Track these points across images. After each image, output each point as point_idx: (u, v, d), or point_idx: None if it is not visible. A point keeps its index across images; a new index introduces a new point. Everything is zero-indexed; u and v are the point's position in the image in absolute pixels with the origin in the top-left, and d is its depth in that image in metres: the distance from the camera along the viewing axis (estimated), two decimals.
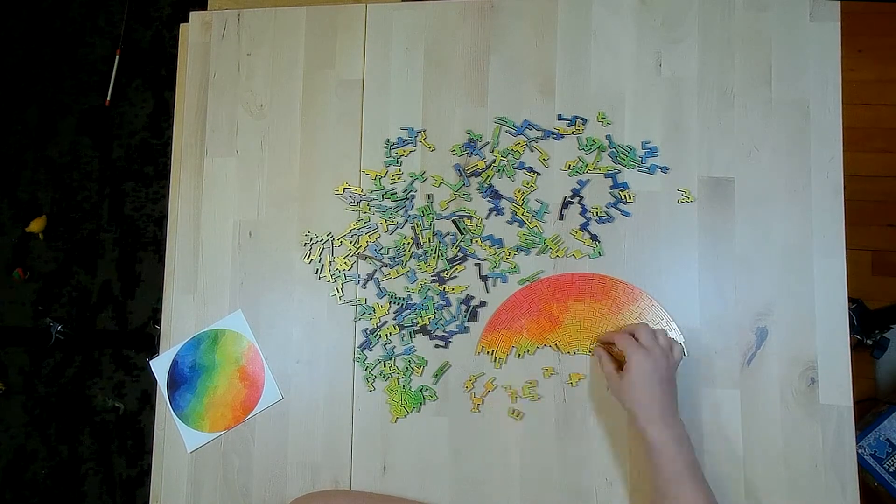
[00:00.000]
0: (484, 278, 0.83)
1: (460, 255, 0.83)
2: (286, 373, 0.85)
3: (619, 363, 0.75)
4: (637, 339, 0.72)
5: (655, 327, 0.75)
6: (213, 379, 0.85)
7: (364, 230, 0.85)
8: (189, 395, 0.85)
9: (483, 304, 0.82)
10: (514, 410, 0.80)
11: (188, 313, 0.87)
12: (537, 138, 0.84)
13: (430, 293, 0.83)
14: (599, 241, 0.82)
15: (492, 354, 0.81)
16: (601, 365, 0.76)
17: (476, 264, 0.83)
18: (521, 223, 0.83)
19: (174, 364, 0.86)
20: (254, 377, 0.85)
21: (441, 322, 0.82)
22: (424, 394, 0.81)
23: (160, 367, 0.86)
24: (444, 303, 0.83)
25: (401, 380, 0.82)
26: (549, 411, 0.80)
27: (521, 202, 0.83)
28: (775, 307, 0.79)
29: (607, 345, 0.78)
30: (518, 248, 0.83)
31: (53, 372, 1.83)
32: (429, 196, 0.85)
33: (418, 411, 0.82)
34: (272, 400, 0.84)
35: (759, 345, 0.78)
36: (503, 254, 0.82)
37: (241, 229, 0.88)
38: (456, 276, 0.83)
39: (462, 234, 0.84)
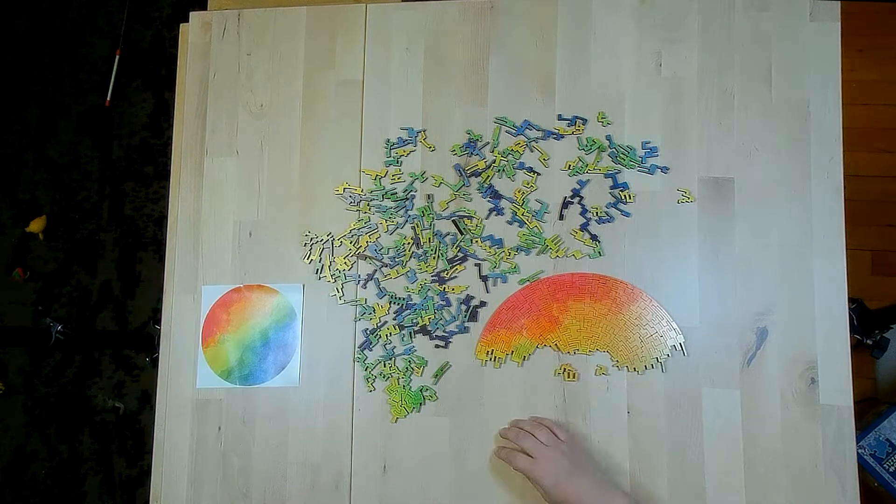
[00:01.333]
0: (484, 278, 0.83)
1: (460, 255, 0.83)
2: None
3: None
4: (525, 450, 0.73)
5: (536, 422, 0.77)
6: (250, 333, 0.85)
7: (364, 230, 0.85)
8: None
9: (483, 304, 0.82)
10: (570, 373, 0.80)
11: (188, 313, 0.87)
12: (537, 138, 0.84)
13: (430, 293, 0.83)
14: (599, 241, 0.82)
15: (491, 354, 0.81)
16: (530, 479, 0.74)
17: (476, 264, 0.83)
18: (521, 223, 0.83)
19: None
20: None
21: (441, 322, 0.82)
22: (424, 394, 0.81)
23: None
24: (444, 303, 0.83)
25: (401, 380, 0.82)
26: (549, 412, 0.80)
27: (521, 202, 0.83)
28: (775, 307, 0.79)
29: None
30: (518, 248, 0.83)
31: (53, 372, 1.83)
32: (429, 196, 0.85)
33: (418, 411, 0.82)
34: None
35: (759, 345, 0.78)
36: (503, 254, 0.82)
37: (241, 229, 0.88)
38: (456, 277, 0.83)
39: (462, 234, 0.84)
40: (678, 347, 0.79)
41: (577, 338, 0.80)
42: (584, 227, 0.82)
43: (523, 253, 0.82)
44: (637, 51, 0.84)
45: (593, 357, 0.80)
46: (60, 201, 1.91)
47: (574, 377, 0.80)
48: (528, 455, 0.73)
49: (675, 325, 0.79)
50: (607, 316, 0.80)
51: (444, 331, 0.82)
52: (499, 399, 0.81)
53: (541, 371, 0.80)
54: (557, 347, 0.80)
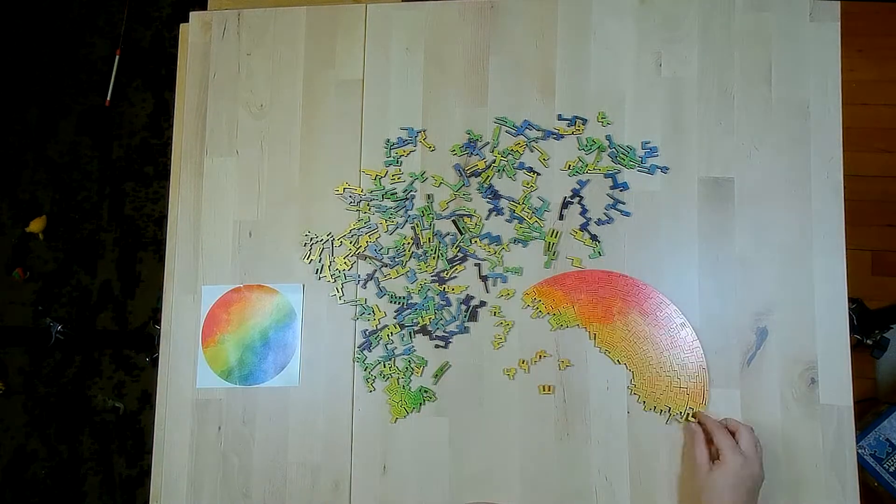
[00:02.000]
0: (484, 278, 0.83)
1: (460, 254, 0.83)
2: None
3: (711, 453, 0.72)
4: (738, 441, 0.70)
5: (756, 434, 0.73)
6: (250, 333, 0.85)
7: (364, 230, 0.85)
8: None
9: (483, 303, 0.82)
10: (545, 386, 0.80)
11: (188, 313, 0.87)
12: (537, 138, 0.84)
13: (430, 293, 0.83)
14: (599, 241, 0.82)
15: (536, 303, 0.81)
16: (693, 447, 0.73)
17: (476, 264, 0.83)
18: (521, 220, 0.83)
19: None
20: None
21: (441, 322, 0.82)
22: (424, 395, 0.81)
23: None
24: (443, 303, 0.83)
25: (401, 380, 0.82)
26: (549, 411, 0.80)
27: (521, 201, 0.83)
28: (775, 307, 0.79)
29: (703, 427, 0.74)
30: (516, 240, 0.82)
31: (53, 372, 1.83)
32: (429, 196, 0.85)
33: (418, 411, 0.82)
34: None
35: (759, 345, 0.78)
36: (502, 248, 0.82)
37: (241, 229, 0.88)
38: (456, 277, 0.83)
39: (462, 233, 0.84)
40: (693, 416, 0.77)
41: (616, 343, 0.79)
42: (584, 227, 0.82)
43: (521, 245, 0.82)
44: (637, 51, 0.84)
45: (614, 367, 0.79)
46: (60, 201, 1.91)
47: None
48: (712, 452, 0.70)
49: (708, 388, 0.77)
50: (656, 346, 0.79)
51: (444, 331, 0.82)
52: (498, 399, 0.81)
53: (540, 372, 0.80)
54: (594, 337, 0.80)
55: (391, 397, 0.82)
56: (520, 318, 0.82)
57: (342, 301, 0.84)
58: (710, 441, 0.73)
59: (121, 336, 1.87)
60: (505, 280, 0.82)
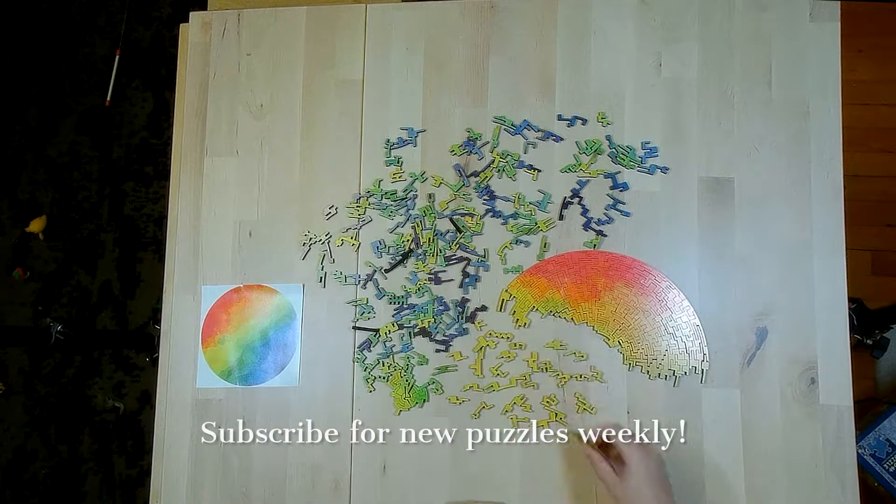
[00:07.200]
0: (478, 277, 0.82)
1: (459, 251, 0.83)
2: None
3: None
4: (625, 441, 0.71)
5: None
6: (250, 333, 0.85)
7: (364, 230, 0.85)
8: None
9: (484, 307, 0.82)
10: (549, 397, 0.80)
11: (188, 313, 0.87)
12: (537, 138, 0.84)
13: (428, 294, 0.83)
14: (599, 241, 0.81)
15: (514, 306, 0.81)
16: (597, 468, 0.72)
17: (475, 264, 0.83)
18: (520, 218, 0.83)
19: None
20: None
21: (441, 326, 0.82)
22: (430, 388, 0.81)
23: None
24: (442, 307, 0.83)
25: (403, 374, 0.82)
26: (549, 413, 0.80)
27: (516, 199, 0.83)
28: (775, 307, 0.79)
29: (596, 446, 0.74)
30: (517, 241, 0.82)
31: (53, 372, 1.83)
32: (430, 196, 0.85)
33: (420, 407, 0.81)
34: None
35: (759, 345, 0.78)
36: (503, 247, 0.82)
37: (241, 229, 0.88)
38: (454, 279, 0.83)
39: (460, 231, 0.84)
40: (698, 371, 0.78)
41: (607, 319, 0.80)
42: (584, 227, 0.82)
43: (522, 245, 0.82)
44: (637, 51, 0.84)
45: (613, 360, 0.79)
46: (60, 201, 1.91)
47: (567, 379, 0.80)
48: (612, 466, 0.71)
49: (706, 350, 0.78)
50: (647, 314, 0.80)
51: (444, 334, 0.82)
52: (499, 400, 0.81)
53: (540, 371, 0.80)
54: (585, 315, 0.80)
55: (395, 390, 0.82)
56: (487, 374, 0.81)
57: (342, 301, 0.84)
58: (605, 456, 0.72)
59: (121, 336, 1.87)
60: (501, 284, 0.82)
